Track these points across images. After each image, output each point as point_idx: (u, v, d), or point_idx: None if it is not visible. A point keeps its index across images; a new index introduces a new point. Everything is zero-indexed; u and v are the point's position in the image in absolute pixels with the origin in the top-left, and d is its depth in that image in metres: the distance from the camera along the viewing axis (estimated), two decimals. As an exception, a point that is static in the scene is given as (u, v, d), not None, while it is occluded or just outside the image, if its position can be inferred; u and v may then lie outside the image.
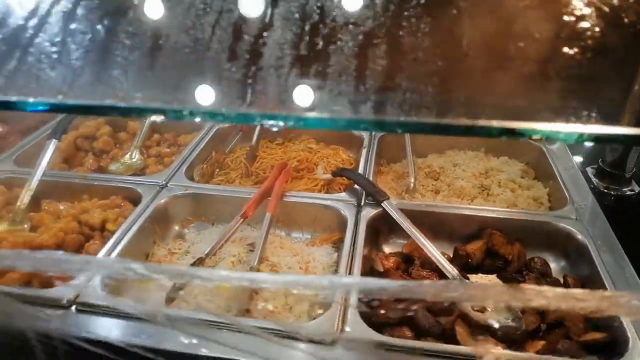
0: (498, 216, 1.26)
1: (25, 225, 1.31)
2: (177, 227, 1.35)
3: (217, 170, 1.54)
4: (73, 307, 0.98)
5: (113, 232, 1.21)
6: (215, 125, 1.71)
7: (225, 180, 1.48)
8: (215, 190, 1.39)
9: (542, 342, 0.95)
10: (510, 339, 0.95)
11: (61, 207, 1.37)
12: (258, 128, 1.63)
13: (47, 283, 1.07)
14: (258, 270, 1.10)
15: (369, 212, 1.25)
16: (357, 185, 1.33)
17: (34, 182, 1.38)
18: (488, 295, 0.55)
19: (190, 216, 1.37)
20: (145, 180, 1.41)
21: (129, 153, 1.63)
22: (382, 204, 1.24)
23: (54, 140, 1.50)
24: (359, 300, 0.71)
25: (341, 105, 0.55)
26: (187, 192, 1.35)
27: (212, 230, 1.32)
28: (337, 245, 1.24)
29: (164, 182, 1.39)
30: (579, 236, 1.17)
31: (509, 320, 0.97)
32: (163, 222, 1.30)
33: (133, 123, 1.77)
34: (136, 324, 0.93)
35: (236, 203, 1.33)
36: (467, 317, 0.96)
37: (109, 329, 0.94)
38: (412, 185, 1.46)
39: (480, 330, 0.96)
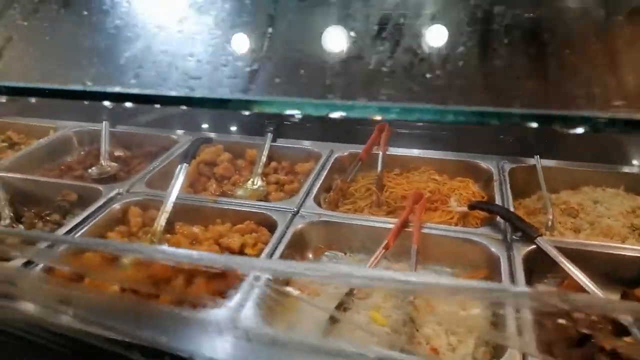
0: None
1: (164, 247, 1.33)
2: (310, 255, 1.32)
3: (341, 198, 1.52)
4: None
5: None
6: (335, 153, 1.70)
7: (352, 209, 1.46)
8: (347, 218, 1.36)
9: None
10: None
11: (195, 230, 1.38)
12: (380, 156, 1.61)
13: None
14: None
15: (519, 249, 1.18)
16: (503, 219, 1.26)
17: (169, 205, 1.41)
18: None
19: (321, 244, 1.34)
20: (277, 206, 1.40)
21: (252, 179, 1.64)
22: (535, 241, 1.17)
23: (184, 164, 1.54)
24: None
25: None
26: (321, 219, 1.33)
27: (348, 260, 1.29)
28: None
29: (295, 209, 1.38)
30: None
31: None
32: (299, 249, 1.29)
33: (251, 150, 1.79)
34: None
35: (370, 233, 1.31)
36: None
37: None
38: (550, 222, 1.37)
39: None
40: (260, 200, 1.53)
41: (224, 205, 1.44)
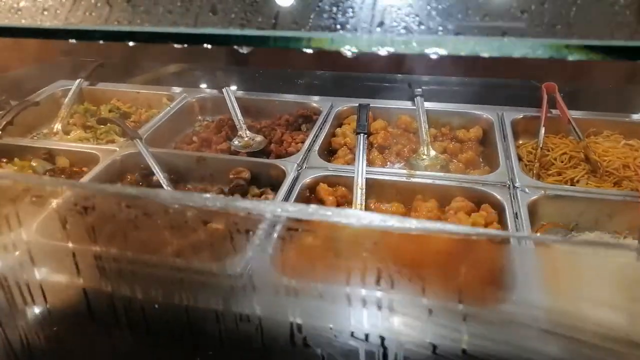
0: None
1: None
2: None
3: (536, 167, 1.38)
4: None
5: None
6: (503, 117, 1.56)
7: (562, 180, 1.32)
8: (577, 192, 1.22)
9: None
10: None
11: (400, 209, 1.25)
12: (571, 121, 1.47)
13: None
14: None
15: None
16: None
17: (361, 181, 1.27)
18: None
19: (544, 220, 1.22)
20: (491, 180, 1.26)
21: (422, 149, 1.49)
22: None
23: (363, 134, 1.40)
24: None
25: None
26: (546, 193, 1.20)
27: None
28: None
29: (512, 184, 1.24)
30: None
31: None
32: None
33: (403, 116, 1.64)
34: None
35: (603, 207, 1.18)
36: None
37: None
38: None
39: None
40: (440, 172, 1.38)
41: (421, 179, 1.29)
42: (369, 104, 1.59)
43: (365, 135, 1.39)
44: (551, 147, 1.45)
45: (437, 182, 1.28)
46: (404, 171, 1.34)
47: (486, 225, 1.14)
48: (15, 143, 1.53)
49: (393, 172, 1.33)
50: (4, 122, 1.56)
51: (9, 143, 1.52)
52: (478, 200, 1.23)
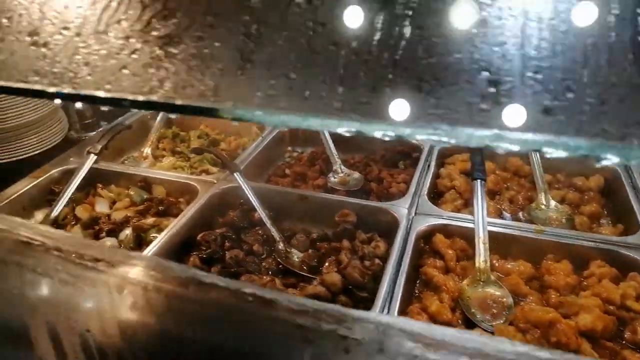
0: None
1: (493, 290, 1.07)
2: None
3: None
4: None
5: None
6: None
7: None
8: None
9: None
10: None
11: (528, 269, 1.11)
12: None
13: None
14: None
15: None
16: None
17: (483, 233, 1.15)
18: None
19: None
20: (636, 243, 1.12)
21: (541, 197, 1.36)
22: None
23: (480, 180, 1.28)
24: None
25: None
26: None
27: None
28: None
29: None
30: None
31: None
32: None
33: (512, 158, 1.51)
34: None
35: None
36: None
37: None
38: None
39: None
40: (558, 227, 1.24)
41: (550, 237, 1.16)
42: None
43: (484, 182, 1.27)
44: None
45: (570, 241, 1.14)
46: (529, 225, 1.21)
47: (638, 299, 1.00)
48: (111, 168, 1.51)
49: (517, 226, 1.20)
50: (100, 147, 1.54)
51: (105, 168, 1.50)
52: (620, 265, 1.08)
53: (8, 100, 1.53)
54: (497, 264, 1.15)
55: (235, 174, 1.34)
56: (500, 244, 1.17)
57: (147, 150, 1.70)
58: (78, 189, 1.38)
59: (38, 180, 1.43)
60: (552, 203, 1.35)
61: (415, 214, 1.24)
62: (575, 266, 1.11)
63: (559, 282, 1.05)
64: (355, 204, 1.29)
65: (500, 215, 1.33)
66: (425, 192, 1.32)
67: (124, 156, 1.73)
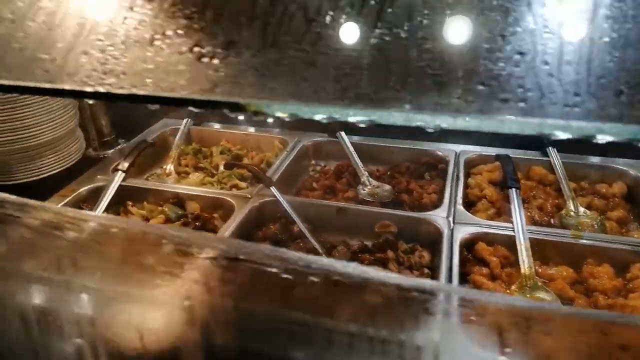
0: None
1: (542, 295, 1.09)
2: None
3: None
4: None
5: None
6: None
7: None
8: None
9: None
10: None
11: (571, 274, 1.14)
12: None
13: None
14: None
15: None
16: None
17: (524, 239, 1.17)
18: None
19: None
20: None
21: (570, 204, 1.39)
22: None
23: (515, 189, 1.31)
24: None
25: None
26: None
27: None
28: None
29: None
30: None
31: None
32: None
33: (536, 167, 1.55)
34: None
35: None
36: None
37: None
38: None
39: None
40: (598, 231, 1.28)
41: (588, 241, 1.19)
42: (508, 155, 1.50)
43: (519, 191, 1.30)
44: None
45: (607, 245, 1.17)
46: (566, 230, 1.24)
47: (683, 299, 1.03)
48: (140, 185, 1.50)
49: (554, 232, 1.23)
50: (127, 164, 1.53)
51: (133, 185, 1.49)
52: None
53: (32, 119, 1.51)
54: (540, 270, 1.17)
55: (271, 188, 1.35)
56: (539, 250, 1.19)
57: (169, 166, 1.69)
58: (107, 207, 1.37)
59: (67, 200, 1.41)
60: (581, 209, 1.38)
61: (454, 223, 1.26)
62: (616, 269, 1.14)
63: (605, 285, 1.08)
64: (393, 215, 1.30)
65: (533, 222, 1.36)
66: (460, 202, 1.35)
67: (146, 174, 1.71)
